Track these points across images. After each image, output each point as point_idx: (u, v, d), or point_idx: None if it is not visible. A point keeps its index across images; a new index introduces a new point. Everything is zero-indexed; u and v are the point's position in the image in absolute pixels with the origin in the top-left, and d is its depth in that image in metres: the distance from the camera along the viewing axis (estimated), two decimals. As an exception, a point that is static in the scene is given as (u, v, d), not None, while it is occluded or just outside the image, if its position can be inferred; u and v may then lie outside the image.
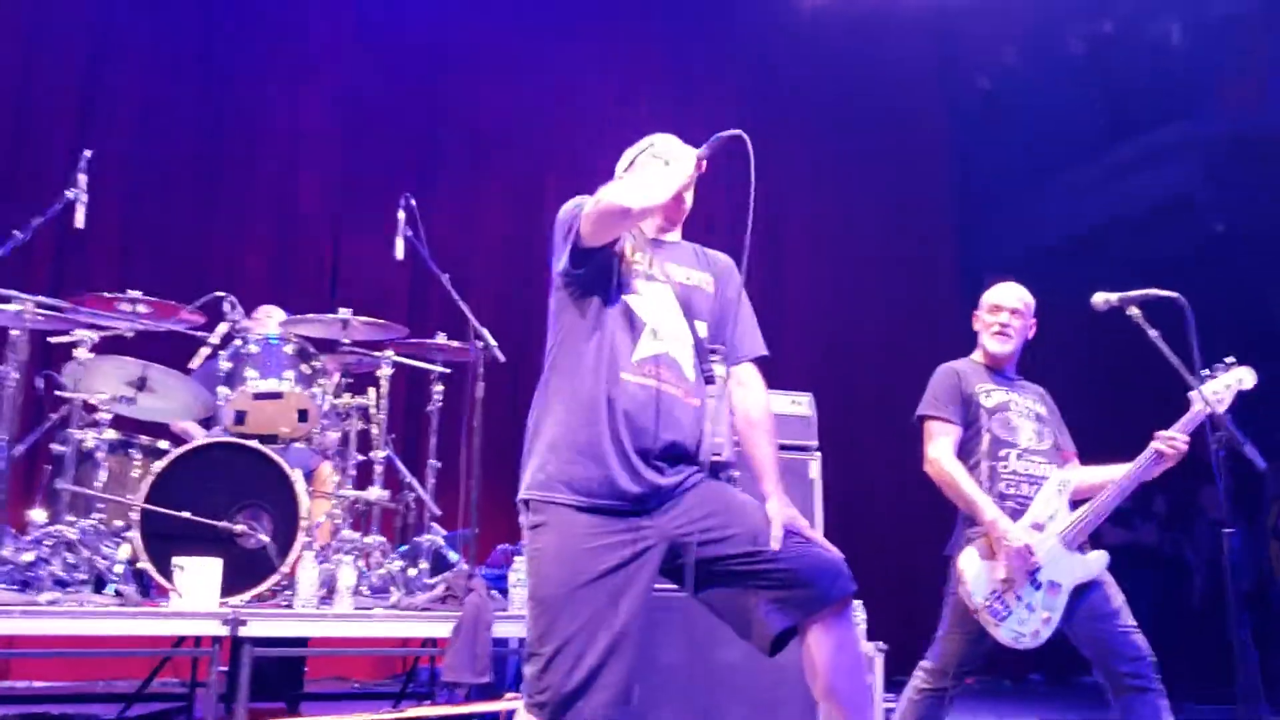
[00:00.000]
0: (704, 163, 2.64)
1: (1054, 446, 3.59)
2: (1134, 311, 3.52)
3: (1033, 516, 3.43)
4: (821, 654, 2.50)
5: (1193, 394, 3.35)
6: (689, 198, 2.77)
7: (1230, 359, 3.45)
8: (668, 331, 2.63)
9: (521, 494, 2.61)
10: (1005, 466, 3.50)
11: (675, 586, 2.65)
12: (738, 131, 2.62)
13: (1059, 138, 7.77)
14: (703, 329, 2.71)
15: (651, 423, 2.53)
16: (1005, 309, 3.68)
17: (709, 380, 2.68)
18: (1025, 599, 3.35)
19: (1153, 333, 3.44)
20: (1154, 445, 3.36)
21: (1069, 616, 3.37)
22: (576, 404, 2.55)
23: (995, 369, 3.68)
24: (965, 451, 3.56)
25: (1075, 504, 3.49)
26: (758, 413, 2.75)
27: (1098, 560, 3.43)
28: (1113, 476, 3.46)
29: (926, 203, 8.58)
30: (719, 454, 2.63)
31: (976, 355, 3.74)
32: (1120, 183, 7.55)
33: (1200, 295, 3.48)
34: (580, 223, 2.55)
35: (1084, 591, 3.38)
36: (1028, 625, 3.35)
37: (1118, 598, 3.40)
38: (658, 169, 2.68)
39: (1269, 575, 7.59)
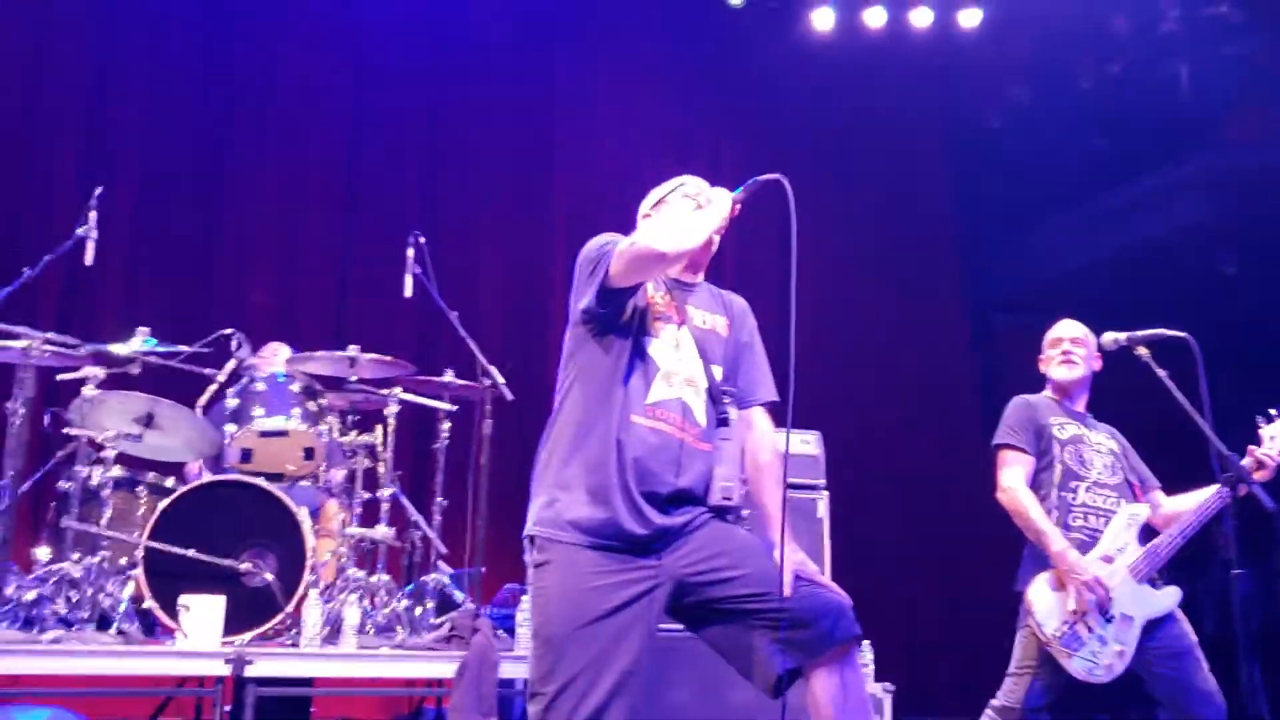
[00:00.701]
0: (739, 206, 2.64)
1: (1125, 481, 3.61)
2: (1142, 351, 3.53)
3: (1102, 549, 3.43)
4: (826, 696, 2.49)
5: (1263, 431, 3.45)
6: (716, 241, 2.75)
7: None
8: (682, 376, 2.63)
9: (527, 530, 2.60)
10: (1074, 498, 3.52)
11: (681, 626, 2.63)
12: (776, 175, 2.61)
13: (1065, 174, 7.78)
14: (718, 372, 2.70)
15: (660, 468, 2.53)
16: (1065, 339, 3.75)
17: (722, 423, 2.67)
18: (1097, 631, 3.34)
19: (1162, 373, 3.44)
20: (1248, 461, 3.40)
21: (1142, 653, 3.36)
22: (586, 445, 2.54)
23: (1068, 403, 3.73)
24: (1036, 482, 3.58)
25: (1150, 536, 3.50)
26: (767, 458, 2.74)
27: (1170, 595, 3.43)
28: (1186, 507, 3.49)
29: (932, 239, 8.57)
30: (730, 497, 2.61)
31: (1048, 392, 3.79)
32: (1128, 219, 7.56)
33: (1210, 331, 3.49)
34: (611, 262, 2.53)
35: (1157, 628, 3.38)
36: (1101, 658, 3.33)
37: (1191, 636, 3.41)
38: (691, 211, 2.67)
39: (1278, 615, 7.51)
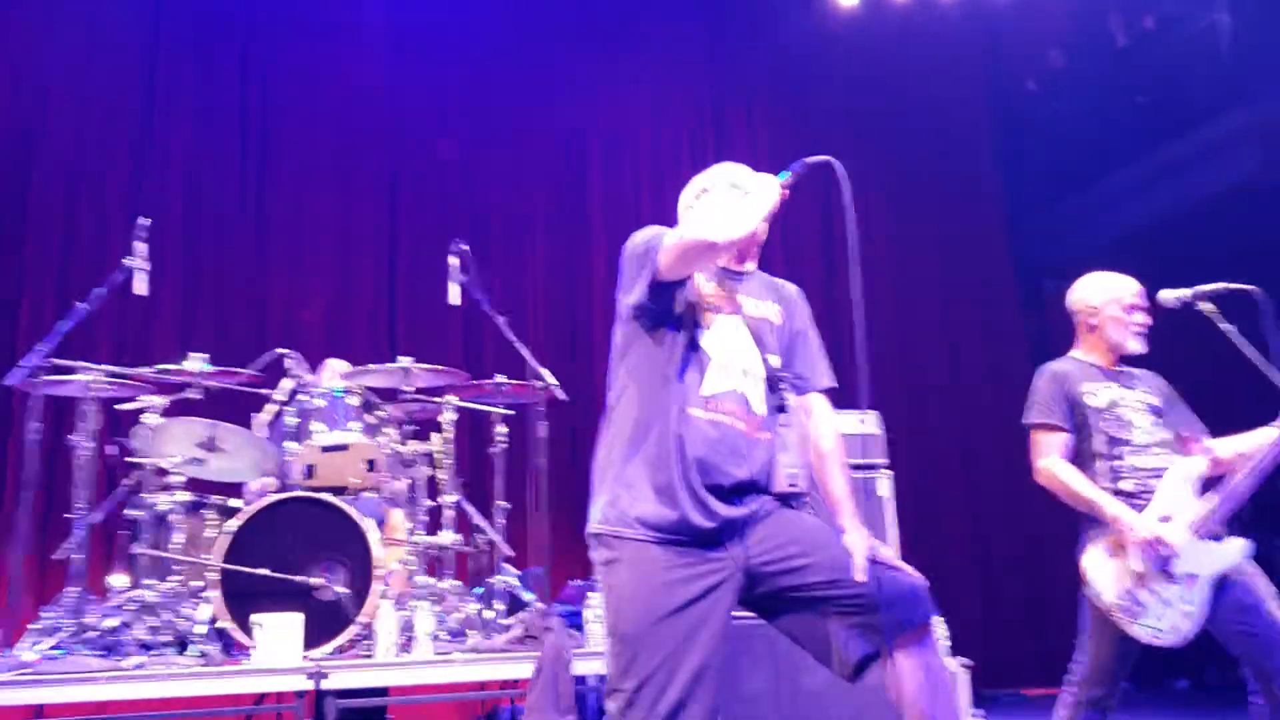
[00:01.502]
0: (786, 192, 2.60)
1: (1173, 434, 3.45)
2: (1205, 306, 3.43)
3: (1158, 509, 3.30)
4: (906, 679, 2.46)
5: None
6: (764, 228, 2.71)
7: None
8: (738, 366, 2.60)
9: (592, 528, 2.59)
10: (1123, 464, 3.38)
11: (755, 615, 2.63)
12: (826, 158, 2.57)
13: (1109, 135, 7.67)
14: (774, 360, 2.67)
15: (722, 460, 2.51)
16: (1145, 307, 3.54)
17: (781, 410, 2.65)
18: (1161, 593, 3.22)
19: (1227, 328, 3.34)
20: None
21: (1213, 611, 3.23)
22: (646, 441, 2.53)
23: (1104, 364, 3.54)
24: (1080, 455, 3.44)
25: (1210, 484, 3.34)
26: (829, 444, 2.71)
27: (1237, 548, 3.27)
28: (1242, 450, 3.33)
29: (978, 208, 8.50)
30: (794, 484, 2.59)
31: (1081, 352, 3.60)
32: (1175, 177, 7.42)
33: (1269, 284, 3.39)
34: (660, 256, 2.50)
35: (1226, 583, 3.24)
36: (1166, 620, 3.22)
37: (1263, 587, 3.25)
38: (738, 200, 2.63)
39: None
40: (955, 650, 4.50)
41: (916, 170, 8.22)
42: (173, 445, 4.64)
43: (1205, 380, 3.84)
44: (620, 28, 7.99)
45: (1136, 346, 3.53)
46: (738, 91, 8.22)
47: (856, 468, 4.31)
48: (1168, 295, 3.51)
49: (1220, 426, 3.52)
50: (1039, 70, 8.22)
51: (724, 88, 8.19)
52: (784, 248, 7.44)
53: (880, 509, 4.53)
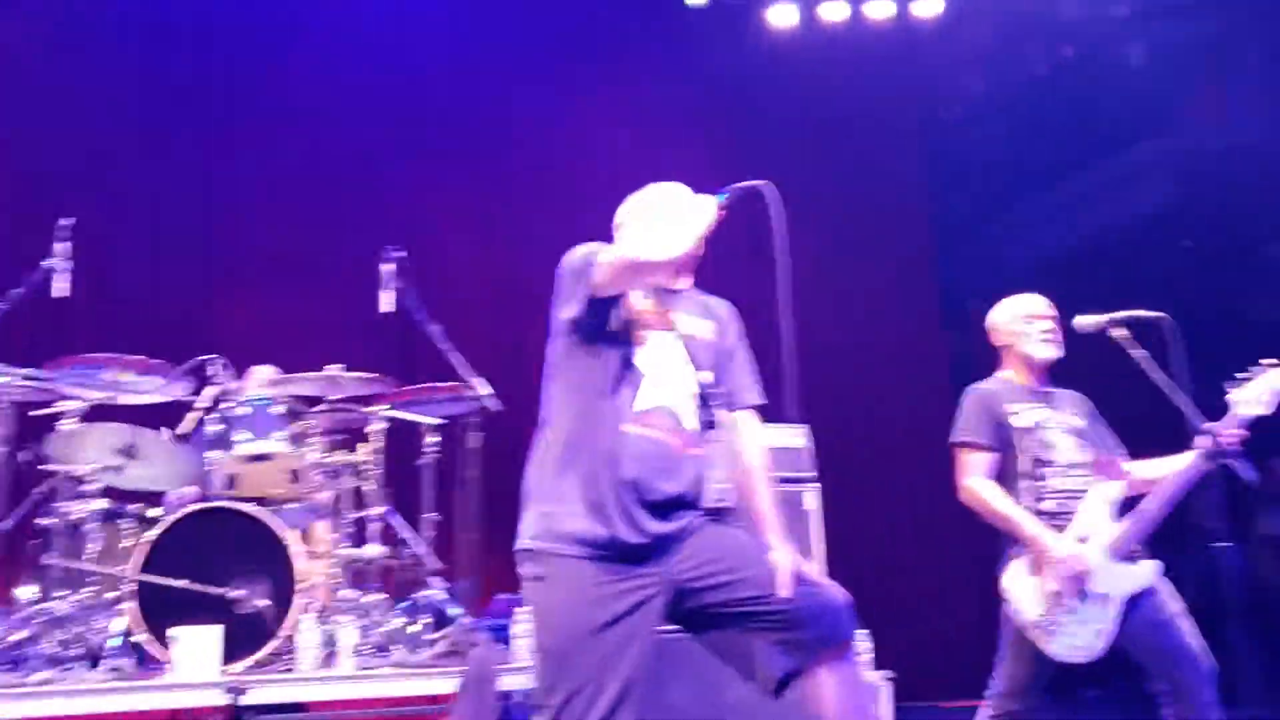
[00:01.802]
0: (723, 212, 2.62)
1: (1095, 456, 3.52)
2: (1118, 333, 3.52)
3: (1076, 530, 3.38)
4: (827, 694, 2.49)
5: (1231, 396, 3.32)
6: (699, 247, 2.72)
7: (1270, 360, 3.38)
8: (670, 382, 2.62)
9: (522, 543, 2.59)
10: (1047, 486, 3.44)
11: (680, 629, 2.63)
12: (761, 184, 2.59)
13: (1031, 160, 7.85)
14: (706, 377, 2.70)
15: (654, 476, 2.52)
16: (1046, 315, 3.61)
17: (711, 426, 2.67)
18: (1076, 612, 3.30)
19: (1139, 354, 3.43)
20: (1203, 442, 3.29)
21: (1127, 628, 3.31)
22: (579, 456, 2.53)
23: (1028, 383, 3.61)
24: (1005, 475, 3.49)
25: (1127, 507, 3.42)
26: (755, 460, 2.74)
27: (1148, 569, 3.37)
28: (1161, 474, 3.41)
29: (902, 230, 8.61)
30: (723, 500, 2.61)
31: (1007, 373, 3.67)
32: (1091, 203, 7.63)
33: (1180, 310, 3.49)
34: (596, 272, 2.51)
35: (1138, 602, 3.32)
36: (1080, 639, 3.30)
37: (1173, 604, 3.35)
38: (674, 219, 2.60)
39: (1264, 583, 7.55)
40: (878, 663, 4.55)
41: (845, 188, 8.30)
42: (90, 451, 4.51)
43: (1121, 402, 3.93)
44: (561, 49, 7.99)
45: (1046, 351, 3.60)
46: (678, 110, 8.24)
47: (783, 481, 4.35)
48: (1083, 321, 3.59)
49: (1137, 448, 3.61)
50: (965, 94, 8.41)
51: (664, 106, 8.20)
52: (714, 262, 7.48)
53: (806, 523, 4.56)
